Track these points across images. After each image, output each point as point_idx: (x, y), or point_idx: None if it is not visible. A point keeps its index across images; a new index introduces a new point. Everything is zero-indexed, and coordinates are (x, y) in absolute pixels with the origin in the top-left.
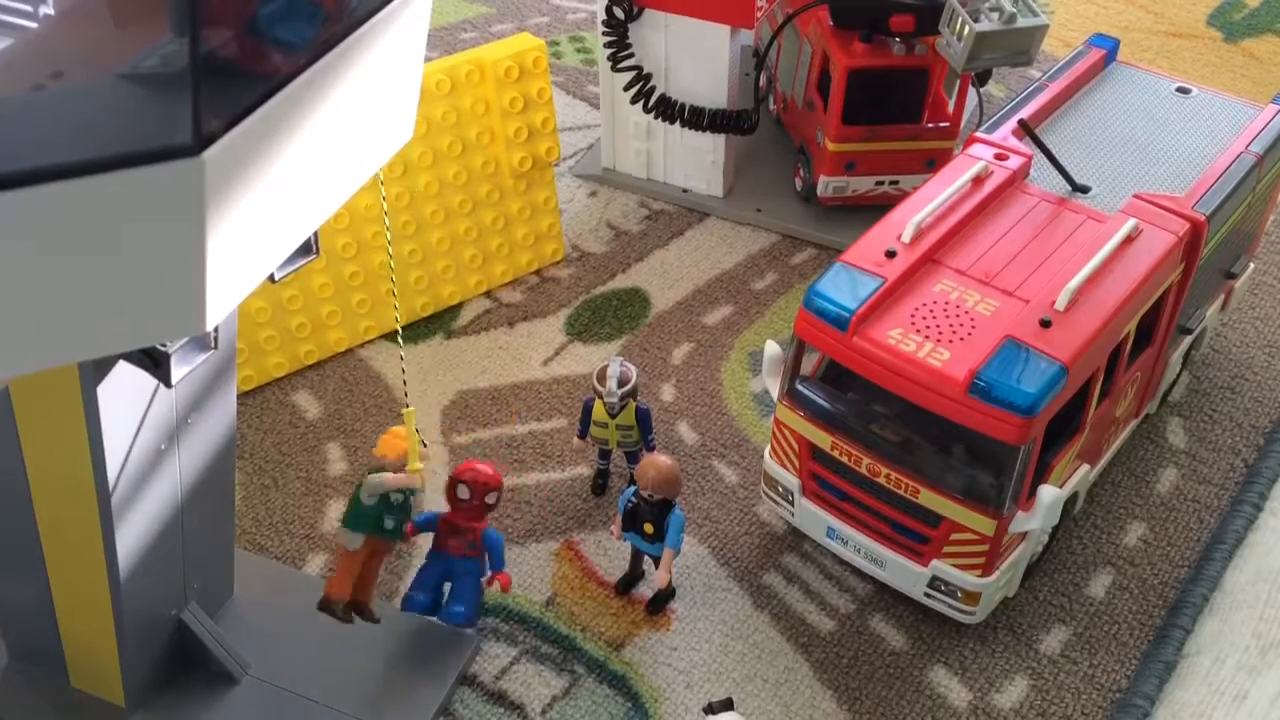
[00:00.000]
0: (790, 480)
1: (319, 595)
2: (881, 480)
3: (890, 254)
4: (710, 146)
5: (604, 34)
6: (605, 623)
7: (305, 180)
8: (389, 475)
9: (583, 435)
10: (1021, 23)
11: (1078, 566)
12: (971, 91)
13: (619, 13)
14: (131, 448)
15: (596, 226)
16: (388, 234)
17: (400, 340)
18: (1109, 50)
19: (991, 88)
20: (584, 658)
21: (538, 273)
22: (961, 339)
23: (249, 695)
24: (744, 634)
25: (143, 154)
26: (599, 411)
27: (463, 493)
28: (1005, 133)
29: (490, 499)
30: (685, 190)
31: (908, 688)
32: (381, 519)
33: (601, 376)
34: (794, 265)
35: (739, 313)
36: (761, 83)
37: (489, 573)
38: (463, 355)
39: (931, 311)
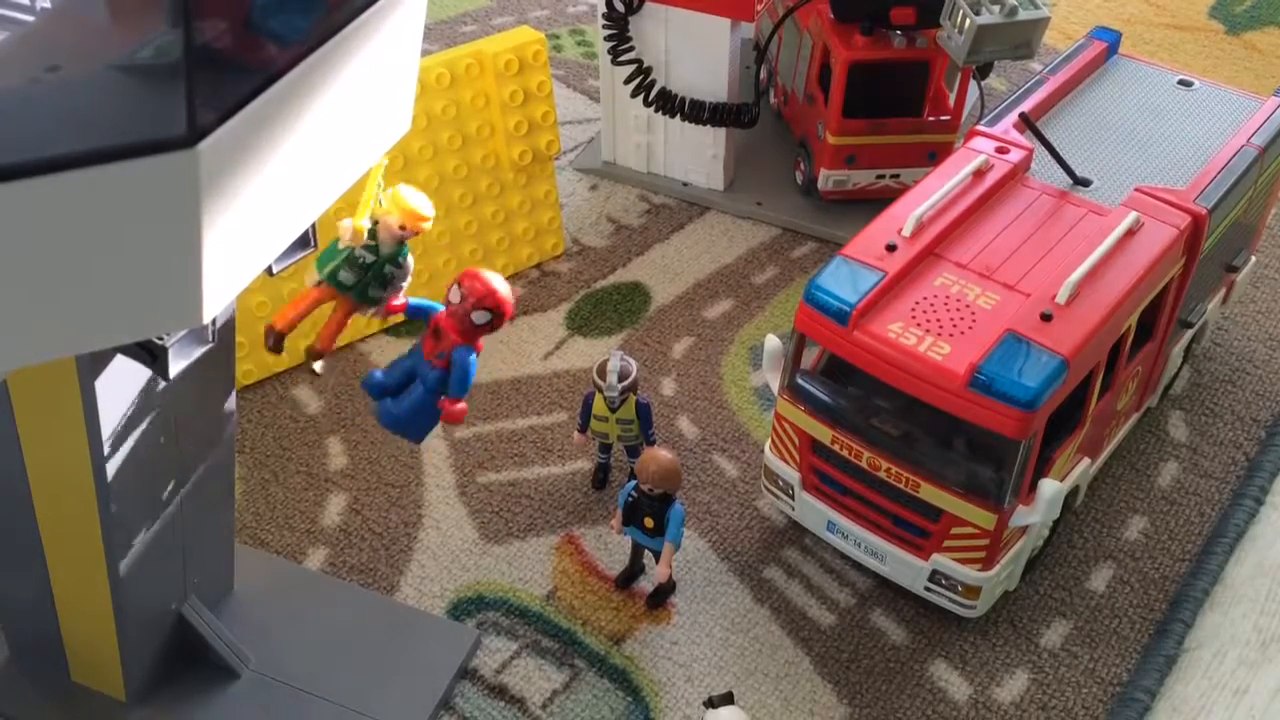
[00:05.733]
0: (791, 474)
1: (319, 589)
2: (882, 474)
3: (891, 248)
4: (711, 140)
5: (604, 27)
6: (606, 617)
7: (302, 172)
8: (349, 225)
9: (583, 429)
10: (1023, 15)
11: (1078, 560)
12: (972, 85)
13: (619, 6)
14: (130, 442)
15: (597, 220)
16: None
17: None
18: (1110, 43)
19: (992, 81)
20: (584, 652)
21: (538, 267)
22: (962, 333)
23: (249, 689)
24: (744, 628)
25: (138, 146)
26: (599, 406)
27: (454, 295)
28: (1006, 126)
29: (479, 317)
30: (686, 184)
31: (908, 681)
32: (338, 269)
33: (602, 371)
34: (794, 259)
35: (739, 307)
36: (762, 76)
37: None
38: None
39: (932, 305)
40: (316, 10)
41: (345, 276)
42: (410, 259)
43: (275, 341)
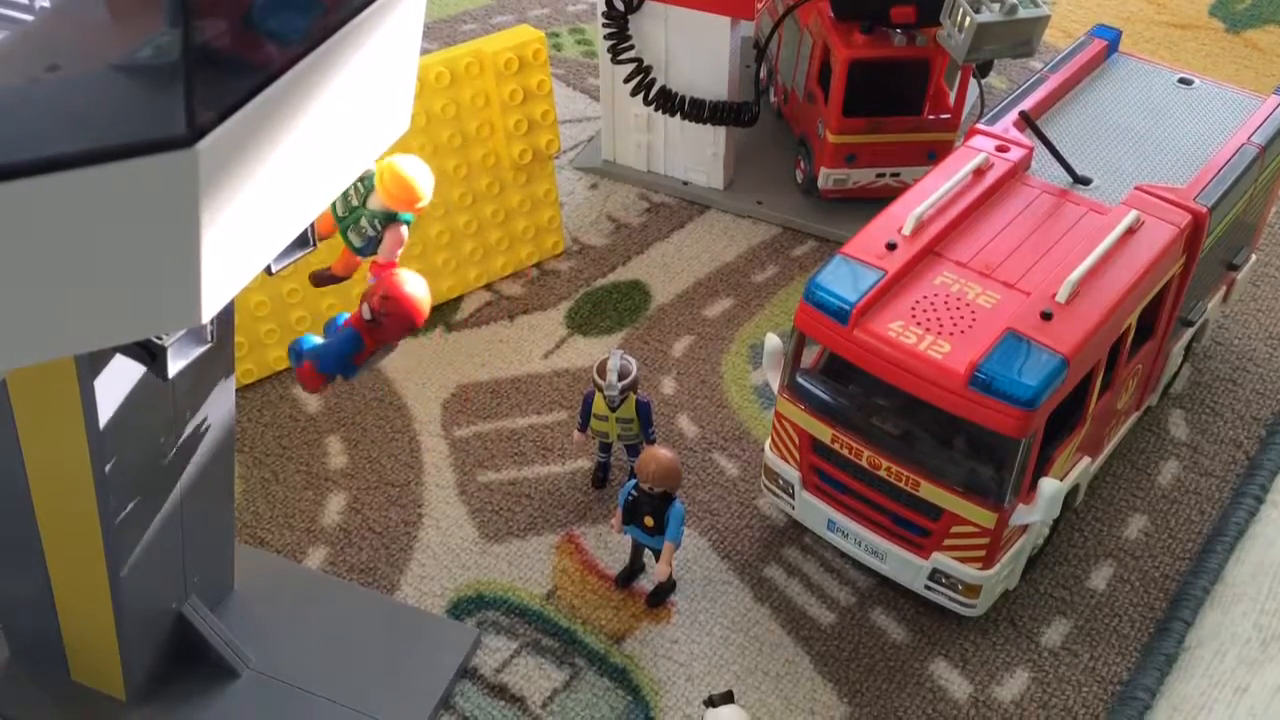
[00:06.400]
0: (791, 473)
1: (319, 589)
2: (882, 473)
3: (891, 246)
4: (711, 139)
5: (604, 26)
6: (606, 616)
7: (301, 172)
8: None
9: (583, 428)
10: (1023, 13)
11: (1079, 559)
12: (973, 83)
13: (619, 4)
14: (130, 441)
15: (597, 219)
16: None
17: None
18: (1111, 41)
19: (993, 79)
20: (584, 651)
21: (538, 265)
22: (962, 332)
23: (250, 689)
24: (744, 627)
25: (137, 145)
26: (599, 405)
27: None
28: (1006, 124)
29: (364, 310)
30: (686, 183)
31: (908, 680)
32: (336, 206)
33: (602, 369)
34: (794, 258)
35: (739, 305)
36: (762, 75)
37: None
38: (463, 348)
39: (932, 304)
40: (315, 9)
41: (336, 205)
42: (403, 230)
43: (313, 240)
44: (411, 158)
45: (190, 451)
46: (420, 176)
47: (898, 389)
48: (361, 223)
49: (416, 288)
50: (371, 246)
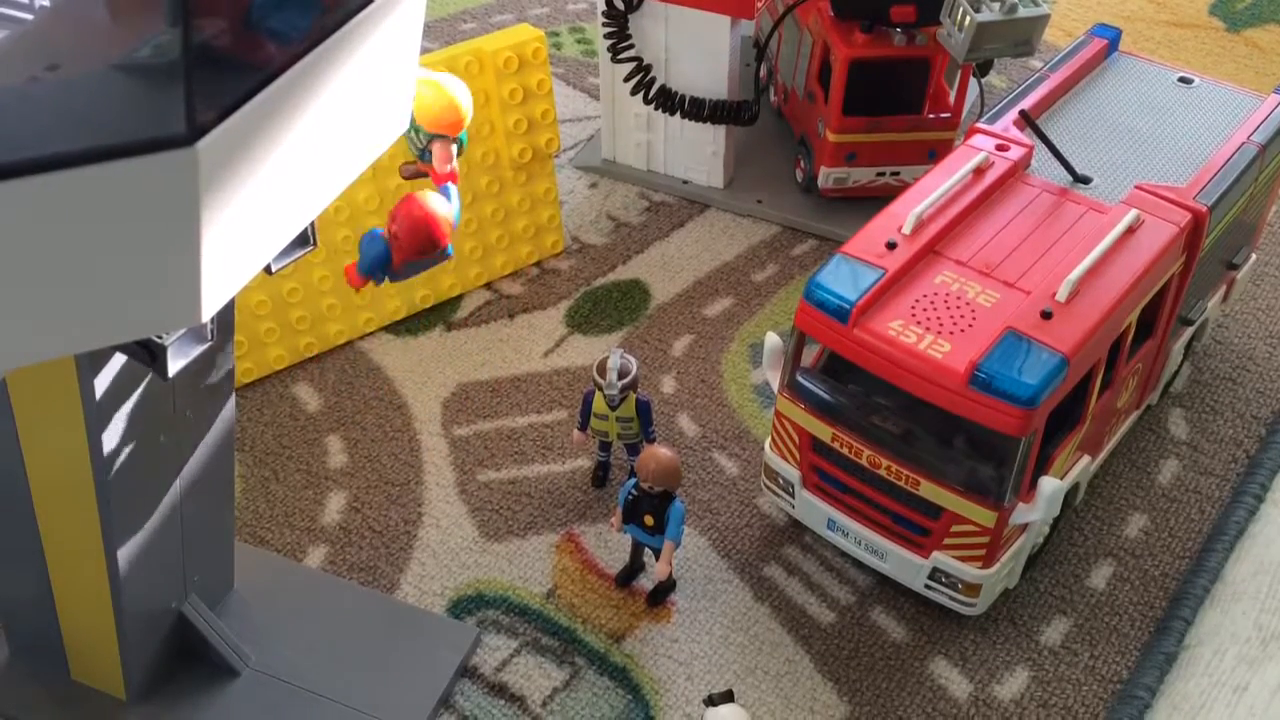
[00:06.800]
0: (791, 472)
1: (319, 588)
2: (882, 472)
3: (891, 245)
4: (710, 138)
5: (604, 25)
6: (606, 615)
7: (301, 171)
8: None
9: (583, 427)
10: (1023, 12)
11: (1079, 558)
12: (973, 82)
13: (619, 3)
14: (129, 440)
15: (596, 218)
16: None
17: None
18: (1111, 40)
19: (993, 78)
20: (584, 650)
21: (538, 264)
22: (962, 331)
23: (250, 687)
24: (744, 626)
25: (137, 144)
26: (599, 404)
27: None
28: (1006, 123)
29: (386, 230)
30: (685, 182)
31: (908, 679)
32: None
33: (601, 369)
34: (794, 257)
35: (739, 304)
36: (762, 74)
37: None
38: (463, 347)
39: (932, 303)
40: (315, 8)
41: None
42: (452, 147)
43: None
44: (446, 77)
45: (190, 451)
46: (460, 96)
47: (898, 388)
48: (411, 134)
49: (434, 208)
50: (427, 155)
